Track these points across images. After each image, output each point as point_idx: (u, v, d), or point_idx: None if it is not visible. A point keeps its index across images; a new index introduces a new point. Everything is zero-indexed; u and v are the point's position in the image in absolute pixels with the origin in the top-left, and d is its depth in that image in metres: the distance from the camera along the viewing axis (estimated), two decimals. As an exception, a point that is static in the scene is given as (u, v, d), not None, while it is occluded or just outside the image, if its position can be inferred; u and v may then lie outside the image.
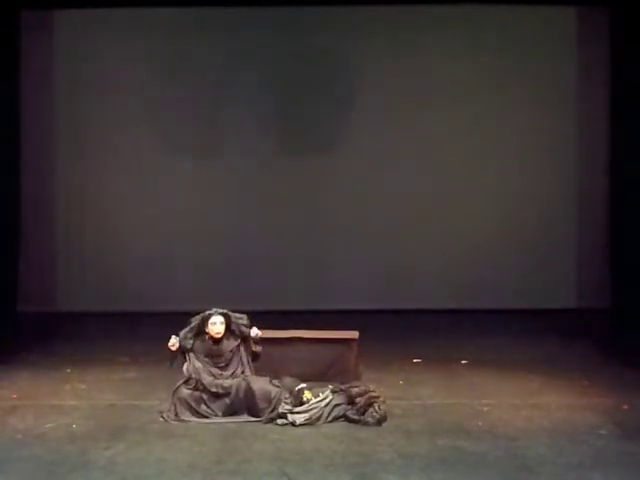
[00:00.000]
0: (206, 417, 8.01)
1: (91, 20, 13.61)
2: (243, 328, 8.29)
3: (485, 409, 8.33)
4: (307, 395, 7.92)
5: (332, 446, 7.29)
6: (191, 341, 8.21)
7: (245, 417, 8.01)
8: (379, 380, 8.99)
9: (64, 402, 8.64)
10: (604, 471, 6.71)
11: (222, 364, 8.23)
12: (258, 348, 8.36)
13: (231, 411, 8.04)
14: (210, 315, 8.25)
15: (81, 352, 10.83)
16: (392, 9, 13.59)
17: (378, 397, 8.01)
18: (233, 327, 8.26)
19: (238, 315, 8.35)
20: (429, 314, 12.98)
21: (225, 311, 8.30)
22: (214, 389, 8.06)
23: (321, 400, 7.94)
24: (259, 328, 8.46)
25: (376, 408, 7.89)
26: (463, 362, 10.18)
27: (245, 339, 8.31)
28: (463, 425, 7.85)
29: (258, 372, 8.46)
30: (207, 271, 13.50)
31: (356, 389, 8.08)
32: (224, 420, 7.98)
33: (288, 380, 8.17)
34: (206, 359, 8.21)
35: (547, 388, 9.08)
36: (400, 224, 13.64)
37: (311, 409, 7.88)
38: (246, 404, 8.03)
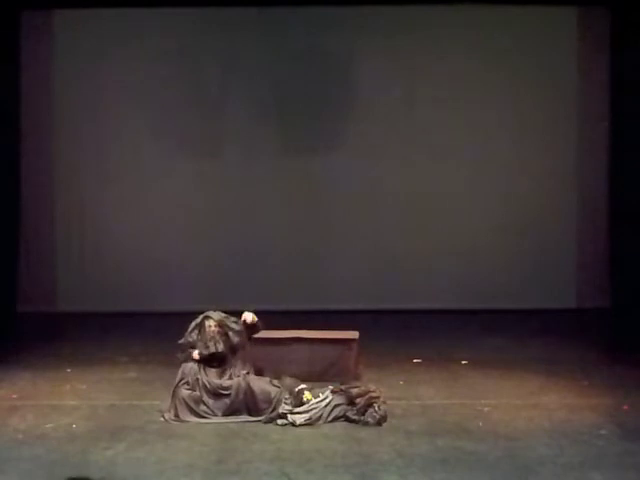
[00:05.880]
0: (206, 417, 8.02)
1: (91, 20, 13.58)
2: (232, 334, 8.27)
3: (485, 409, 8.34)
4: (307, 395, 7.93)
5: (332, 446, 7.30)
6: (195, 337, 8.23)
7: (245, 417, 8.02)
8: (379, 380, 8.99)
9: (64, 402, 8.64)
10: (604, 471, 6.72)
11: (217, 365, 8.23)
12: (236, 339, 8.28)
13: (231, 411, 8.05)
14: (207, 317, 8.28)
15: (81, 352, 10.83)
16: (392, 9, 13.57)
17: (378, 397, 8.02)
18: (226, 330, 8.26)
19: (233, 319, 8.35)
20: (429, 314, 12.97)
21: (219, 315, 8.30)
22: (209, 386, 8.07)
23: (321, 400, 7.96)
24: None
25: (376, 408, 7.90)
26: (463, 362, 10.18)
27: (233, 347, 8.28)
28: (463, 425, 7.85)
29: (258, 372, 8.48)
30: (207, 271, 13.48)
31: (356, 389, 8.09)
32: (224, 420, 7.99)
33: (288, 380, 8.18)
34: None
35: (547, 388, 9.09)
36: (400, 224, 13.61)
37: (311, 409, 7.89)
38: (246, 404, 8.04)
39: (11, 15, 13.31)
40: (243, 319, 8.38)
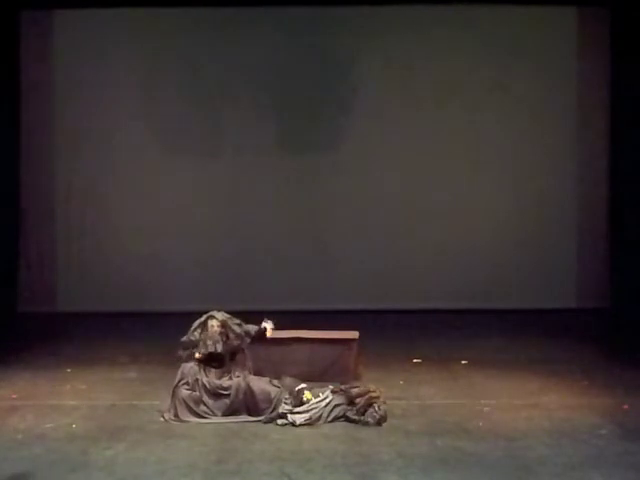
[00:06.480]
0: (205, 418, 8.02)
1: (91, 20, 13.59)
2: (232, 336, 8.26)
3: (485, 409, 8.34)
4: (307, 395, 7.93)
5: (332, 446, 7.30)
6: (198, 335, 8.23)
7: (245, 417, 8.02)
8: (379, 380, 8.98)
9: (64, 402, 8.64)
10: (604, 471, 6.72)
11: (216, 365, 8.23)
12: (235, 342, 8.28)
13: (231, 411, 8.05)
14: (211, 316, 8.27)
15: (81, 352, 10.84)
16: (392, 9, 13.58)
17: (378, 397, 8.02)
18: (228, 332, 8.25)
19: (237, 321, 8.35)
20: (429, 314, 12.97)
21: (223, 315, 8.30)
22: (209, 386, 8.07)
23: (321, 400, 7.95)
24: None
25: (376, 408, 7.90)
26: (463, 362, 10.18)
27: (232, 349, 8.28)
28: (463, 425, 7.85)
29: (258, 372, 8.47)
30: (207, 271, 13.49)
31: (356, 389, 8.09)
32: (224, 420, 7.99)
33: (288, 380, 8.18)
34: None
35: (547, 388, 9.09)
36: (400, 224, 13.63)
37: (311, 409, 7.89)
38: (246, 404, 8.04)
39: (11, 15, 13.32)
40: (263, 327, 8.38)
